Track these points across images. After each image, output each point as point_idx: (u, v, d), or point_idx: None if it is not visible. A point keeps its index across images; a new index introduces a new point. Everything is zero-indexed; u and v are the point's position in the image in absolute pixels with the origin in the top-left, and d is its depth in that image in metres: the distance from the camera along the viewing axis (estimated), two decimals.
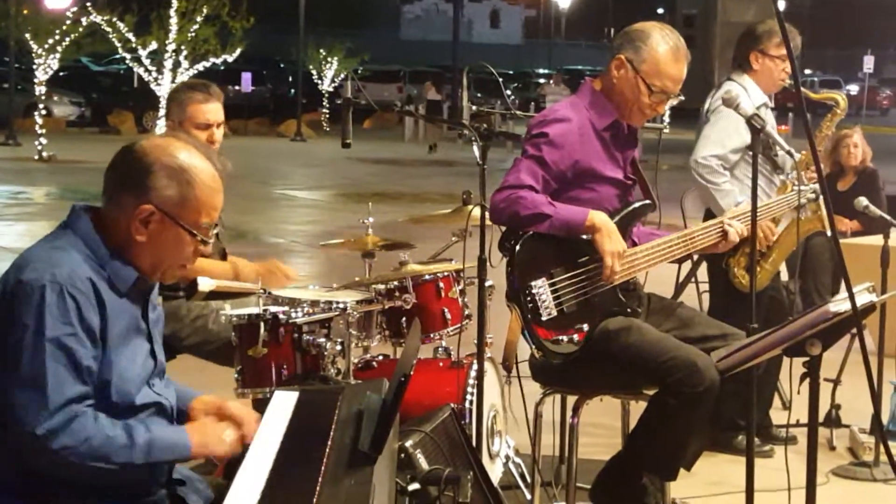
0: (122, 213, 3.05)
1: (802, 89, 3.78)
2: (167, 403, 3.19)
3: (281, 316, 4.68)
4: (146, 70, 26.47)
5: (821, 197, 5.33)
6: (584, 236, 4.43)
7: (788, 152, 4.70)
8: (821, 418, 5.82)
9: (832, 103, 6.07)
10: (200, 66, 26.52)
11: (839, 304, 3.60)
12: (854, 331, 4.01)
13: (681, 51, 4.54)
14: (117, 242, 3.06)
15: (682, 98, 4.62)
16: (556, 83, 33.72)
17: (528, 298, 4.36)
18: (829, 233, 5.16)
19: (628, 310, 4.53)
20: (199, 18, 26.00)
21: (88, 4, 25.91)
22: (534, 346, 4.42)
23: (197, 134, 5.11)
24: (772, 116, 6.07)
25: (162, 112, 26.42)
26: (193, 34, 26.13)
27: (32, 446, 2.86)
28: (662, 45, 4.51)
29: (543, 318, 4.37)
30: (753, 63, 6.05)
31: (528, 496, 5.01)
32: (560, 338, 4.38)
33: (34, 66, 26.10)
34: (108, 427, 2.94)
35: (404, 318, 5.15)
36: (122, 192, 3.06)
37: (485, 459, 4.67)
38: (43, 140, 24.05)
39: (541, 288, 4.38)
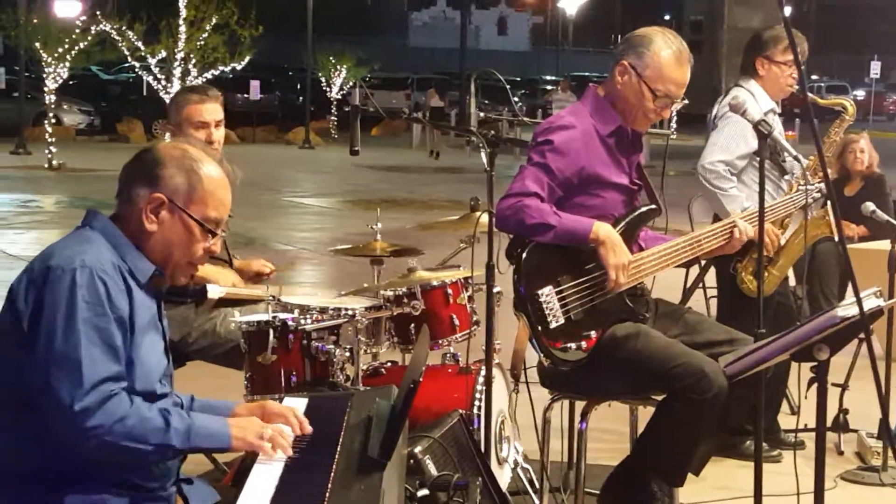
0: (135, 207, 3.15)
1: (810, 95, 3.80)
2: (178, 400, 3.26)
3: (290, 323, 4.69)
4: (155, 78, 26.53)
5: (828, 202, 5.35)
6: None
7: (796, 158, 4.71)
8: (829, 423, 5.83)
9: (840, 109, 6.07)
10: (209, 74, 26.58)
11: (847, 308, 3.61)
12: (861, 335, 4.01)
13: (683, 55, 4.55)
14: (132, 236, 3.14)
15: (686, 102, 4.63)
16: (563, 90, 33.60)
17: (536, 307, 4.37)
18: (836, 238, 5.17)
19: (637, 316, 4.54)
20: (208, 27, 26.05)
21: (98, 13, 25.97)
22: (542, 354, 4.42)
23: (195, 134, 5.14)
24: (779, 122, 6.08)
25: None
26: (202, 42, 26.18)
27: (68, 424, 2.91)
28: (665, 49, 4.52)
29: (551, 326, 4.37)
30: (760, 69, 6.07)
31: (537, 502, 5.02)
32: (568, 345, 4.39)
33: (44, 75, 26.13)
34: (143, 409, 2.99)
35: (413, 325, 5.15)
36: (134, 185, 3.16)
37: (493, 465, 4.67)
38: (53, 148, 24.07)
39: (548, 296, 4.38)
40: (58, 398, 2.90)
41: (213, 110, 5.28)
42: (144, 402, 3.02)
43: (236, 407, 3.33)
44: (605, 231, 4.41)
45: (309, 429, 3.21)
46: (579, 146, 4.49)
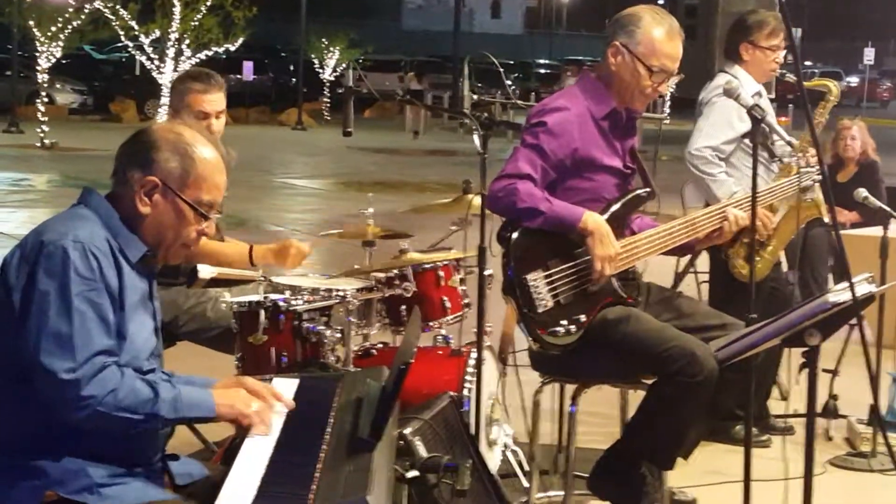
0: (129, 189, 3.16)
1: (794, 77, 3.80)
2: (165, 377, 3.25)
3: (281, 303, 4.69)
4: (148, 58, 26.47)
5: (820, 187, 5.35)
6: None
7: (789, 142, 4.70)
8: (819, 409, 5.84)
9: (824, 90, 6.07)
10: (202, 55, 26.52)
11: (838, 294, 3.61)
12: (852, 321, 4.01)
13: (674, 28, 4.54)
14: (126, 217, 3.16)
15: (682, 76, 4.62)
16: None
17: (524, 290, 4.36)
18: (826, 220, 5.16)
19: (626, 299, 4.53)
20: (202, 7, 26.00)
21: None
22: (530, 338, 4.42)
23: (195, 124, 5.09)
24: (769, 105, 6.07)
25: (164, 100, 26.47)
26: (197, 23, 26.13)
27: (61, 395, 2.92)
28: (655, 25, 4.52)
29: (539, 311, 4.37)
30: (744, 54, 6.05)
31: (526, 484, 5.02)
32: (556, 329, 4.38)
33: (37, 54, 26.10)
34: (133, 380, 3.01)
35: (404, 307, 5.15)
36: (129, 168, 3.17)
37: (483, 447, 4.68)
38: (45, 127, 24.05)
39: (536, 280, 4.38)
40: (51, 370, 2.91)
41: (215, 101, 5.18)
42: (134, 374, 3.04)
43: (216, 384, 3.33)
44: (594, 221, 4.40)
45: (291, 404, 3.22)
46: (573, 128, 4.48)
